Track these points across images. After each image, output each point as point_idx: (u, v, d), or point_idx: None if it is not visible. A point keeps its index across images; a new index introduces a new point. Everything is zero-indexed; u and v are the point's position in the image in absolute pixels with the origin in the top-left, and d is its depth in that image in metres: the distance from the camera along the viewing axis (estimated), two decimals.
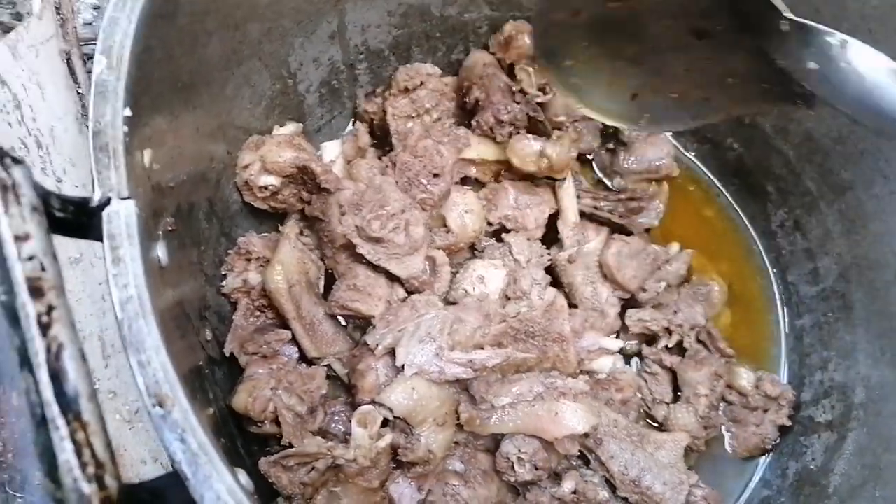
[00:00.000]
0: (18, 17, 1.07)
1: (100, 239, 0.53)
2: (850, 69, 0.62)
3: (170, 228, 0.66)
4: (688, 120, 0.84)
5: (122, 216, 0.53)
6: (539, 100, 0.92)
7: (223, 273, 0.86)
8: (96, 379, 0.84)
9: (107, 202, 0.53)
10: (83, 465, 0.41)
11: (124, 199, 0.54)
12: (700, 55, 0.75)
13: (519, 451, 0.80)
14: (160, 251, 0.60)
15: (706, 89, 0.78)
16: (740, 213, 1.05)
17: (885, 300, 0.86)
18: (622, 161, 1.01)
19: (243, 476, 0.56)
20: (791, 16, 0.65)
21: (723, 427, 0.92)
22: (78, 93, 0.90)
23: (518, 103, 0.92)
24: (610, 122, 0.90)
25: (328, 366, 0.86)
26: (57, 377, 0.42)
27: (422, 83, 0.94)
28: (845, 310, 0.91)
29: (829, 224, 0.93)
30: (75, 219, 0.53)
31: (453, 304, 0.85)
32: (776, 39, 0.67)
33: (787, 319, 1.00)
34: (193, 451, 0.48)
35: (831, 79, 0.64)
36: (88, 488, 0.40)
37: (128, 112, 0.56)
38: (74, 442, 0.41)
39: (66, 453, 0.40)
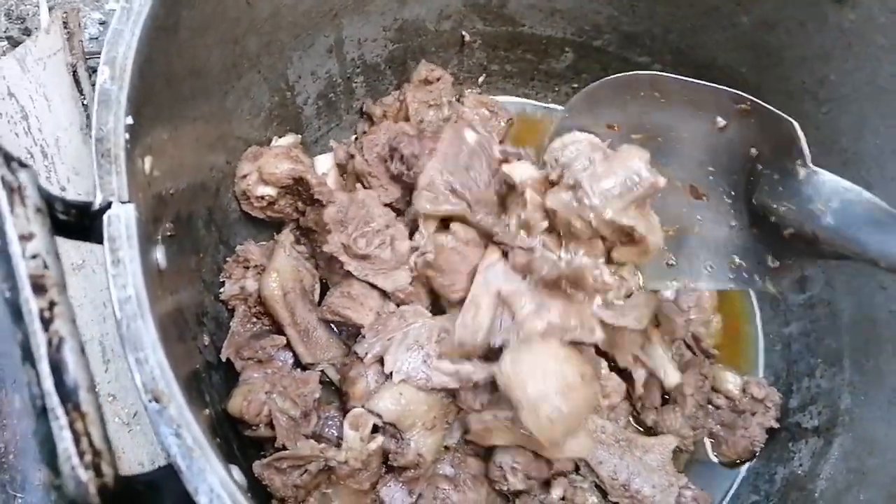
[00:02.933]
0: (27, 32, 1.10)
1: (101, 241, 0.55)
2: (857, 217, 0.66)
3: (169, 234, 0.68)
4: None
5: (122, 219, 0.55)
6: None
7: (221, 280, 0.88)
8: (96, 382, 0.86)
9: (108, 206, 0.55)
10: (81, 454, 0.42)
11: (125, 202, 0.56)
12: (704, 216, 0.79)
13: (513, 460, 0.82)
14: (159, 255, 0.62)
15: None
16: None
17: (870, 307, 0.87)
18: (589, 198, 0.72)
19: (237, 472, 0.58)
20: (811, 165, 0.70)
21: (711, 432, 0.94)
22: (83, 104, 0.93)
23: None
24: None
25: (322, 371, 0.87)
26: (57, 369, 0.44)
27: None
28: (832, 317, 0.93)
29: None
30: (77, 222, 0.55)
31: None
32: (789, 182, 0.71)
33: (775, 327, 1.01)
34: (188, 446, 0.50)
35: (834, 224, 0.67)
36: (86, 475, 0.42)
37: (129, 120, 0.58)
38: (73, 431, 0.43)
39: (64, 442, 0.42)
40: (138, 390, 0.51)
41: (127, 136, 0.58)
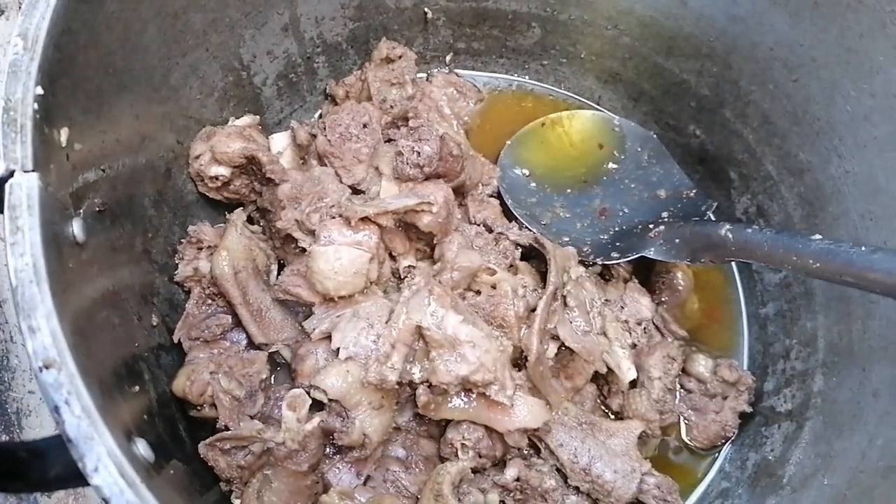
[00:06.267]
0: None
1: (2, 211, 0.55)
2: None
3: (98, 209, 0.68)
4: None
5: (24, 188, 0.54)
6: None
7: (176, 262, 0.87)
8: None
9: (10, 175, 0.55)
10: None
11: (28, 172, 0.55)
12: None
13: (463, 437, 0.80)
14: (76, 228, 0.61)
15: None
16: None
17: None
18: None
19: (143, 445, 0.57)
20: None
21: (682, 416, 0.90)
22: None
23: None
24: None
25: (276, 352, 0.86)
26: None
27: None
28: (806, 296, 0.88)
29: (789, 209, 0.90)
30: None
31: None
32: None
33: (752, 308, 0.97)
34: (76, 415, 0.49)
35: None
36: None
37: (39, 91, 0.58)
38: None
39: None
40: (30, 357, 0.51)
41: (35, 105, 0.57)
